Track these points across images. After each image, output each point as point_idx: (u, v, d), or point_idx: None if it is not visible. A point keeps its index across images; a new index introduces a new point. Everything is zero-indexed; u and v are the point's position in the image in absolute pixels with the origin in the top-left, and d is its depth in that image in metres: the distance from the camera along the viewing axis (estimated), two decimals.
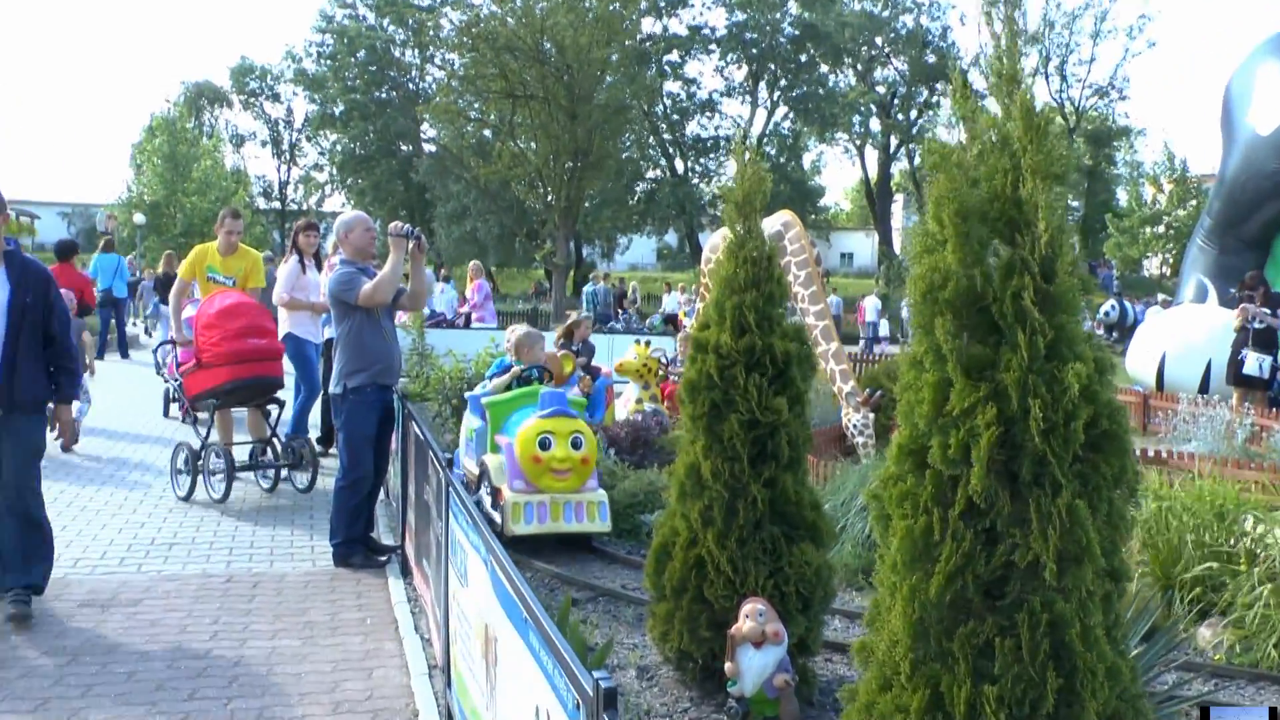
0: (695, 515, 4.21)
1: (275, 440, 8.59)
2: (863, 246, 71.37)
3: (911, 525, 2.86)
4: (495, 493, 6.86)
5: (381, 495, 7.56)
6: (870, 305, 31.82)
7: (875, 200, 54.98)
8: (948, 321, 2.84)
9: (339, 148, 53.53)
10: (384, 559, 6.63)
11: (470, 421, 7.66)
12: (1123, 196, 53.71)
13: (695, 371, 4.25)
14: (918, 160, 49.78)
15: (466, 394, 8.06)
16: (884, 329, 31.17)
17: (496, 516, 6.75)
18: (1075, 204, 56.41)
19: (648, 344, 10.85)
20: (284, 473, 8.64)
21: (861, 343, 30.07)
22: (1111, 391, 2.81)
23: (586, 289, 32.48)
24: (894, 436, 3.10)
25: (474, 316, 18.37)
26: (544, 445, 6.63)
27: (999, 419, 2.73)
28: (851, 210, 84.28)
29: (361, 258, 6.68)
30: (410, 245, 6.46)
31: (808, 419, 4.26)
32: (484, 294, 18.84)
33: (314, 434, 9.62)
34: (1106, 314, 31.03)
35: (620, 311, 31.32)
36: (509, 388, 7.48)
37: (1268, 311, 12.60)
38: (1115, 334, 29.85)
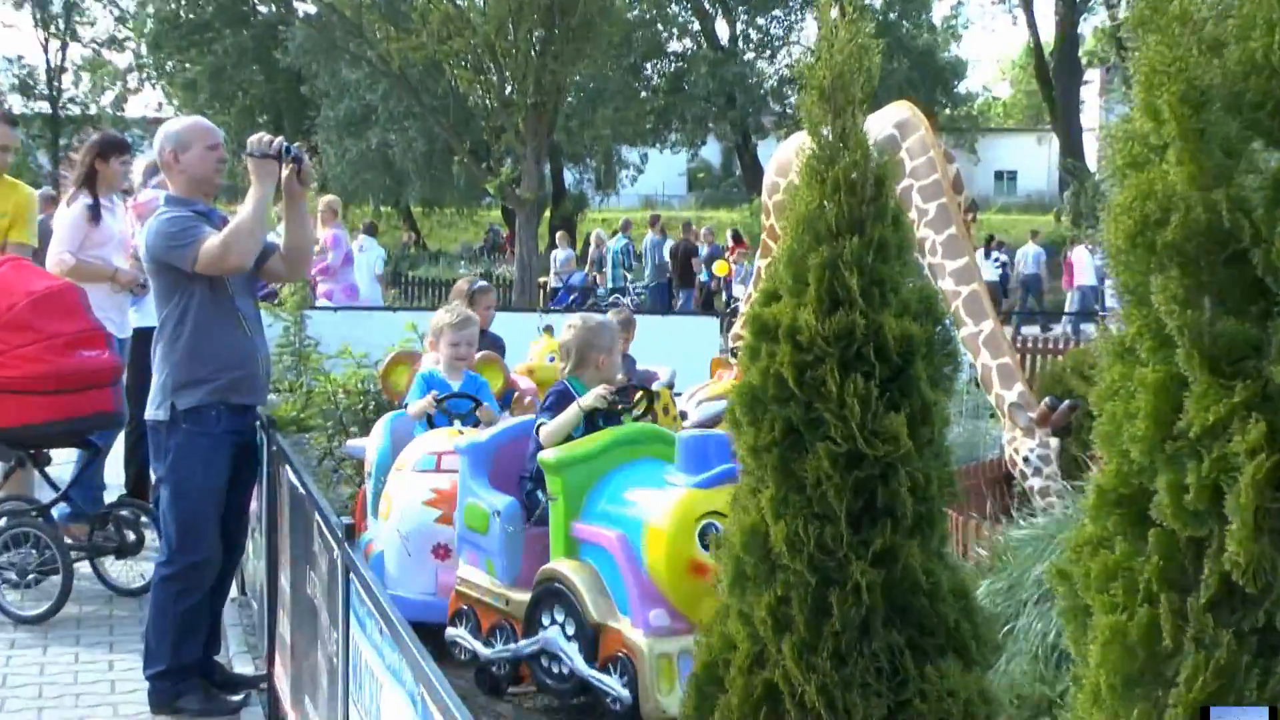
0: (762, 614, 4.20)
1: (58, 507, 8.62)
2: (1033, 159, 71.24)
3: (1124, 623, 2.87)
4: (596, 635, 6.26)
5: (233, 590, 7.59)
6: (1083, 260, 31.45)
7: (1053, 82, 54.85)
8: (1174, 280, 2.83)
9: (150, 10, 53.70)
10: (238, 699, 6.65)
11: (486, 499, 6.94)
12: None
13: (758, 373, 4.23)
14: (1122, 10, 49.62)
15: (453, 446, 7.28)
16: (1110, 298, 31.01)
17: (614, 686, 6.11)
18: None
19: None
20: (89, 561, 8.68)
21: (1066, 321, 30.00)
22: None
23: (613, 244, 32.35)
24: (1092, 475, 3.09)
25: (319, 290, 18.24)
26: (707, 539, 5.86)
27: (1271, 440, 2.74)
28: (1013, 99, 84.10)
29: (200, 193, 6.73)
30: (285, 171, 6.54)
31: (945, 449, 4.27)
32: (342, 251, 18.70)
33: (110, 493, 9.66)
34: None
35: (681, 284, 31.12)
36: (586, 428, 6.82)
37: None
38: None
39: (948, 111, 54.45)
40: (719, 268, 30.01)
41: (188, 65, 52.91)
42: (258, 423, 6.74)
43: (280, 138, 6.64)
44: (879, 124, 9.85)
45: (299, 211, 6.74)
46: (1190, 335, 2.84)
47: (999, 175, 71.06)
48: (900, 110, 10.29)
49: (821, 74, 4.22)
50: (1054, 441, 9.25)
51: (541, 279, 32.82)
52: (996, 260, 33.44)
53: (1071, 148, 52.56)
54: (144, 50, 56.02)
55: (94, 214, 9.33)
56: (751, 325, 4.30)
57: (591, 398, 6.82)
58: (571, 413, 6.81)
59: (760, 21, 51.41)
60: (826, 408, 4.11)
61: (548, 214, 45.77)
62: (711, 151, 64.83)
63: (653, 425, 6.95)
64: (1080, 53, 55.11)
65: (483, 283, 11.00)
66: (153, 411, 6.56)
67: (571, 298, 30.44)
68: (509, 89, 33.12)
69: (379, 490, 7.92)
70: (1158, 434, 2.87)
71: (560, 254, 33.68)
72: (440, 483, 7.37)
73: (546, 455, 6.64)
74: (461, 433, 7.73)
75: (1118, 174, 2.97)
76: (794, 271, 4.22)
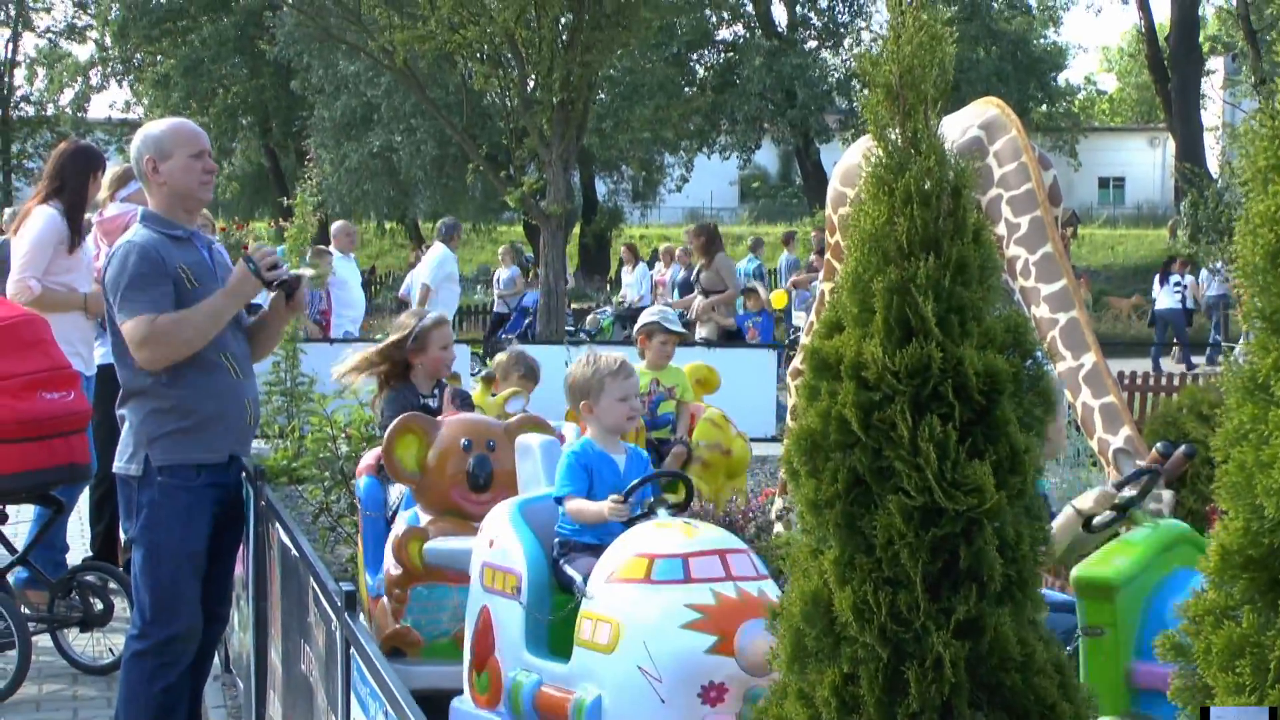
0: (826, 693, 4.17)
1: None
2: (1144, 164, 70.75)
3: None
4: None
5: (216, 667, 7.57)
6: None
7: (1168, 71, 54.64)
8: None
9: None
10: None
11: None
12: None
13: (817, 416, 4.22)
14: None
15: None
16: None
17: None
18: None
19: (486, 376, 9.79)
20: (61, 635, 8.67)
21: (1238, 351, 29.77)
22: None
23: (743, 265, 31.36)
24: (1214, 533, 3.07)
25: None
26: None
27: None
28: (1121, 94, 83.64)
29: (183, 209, 6.72)
30: (274, 293, 6.72)
31: (1039, 503, 4.23)
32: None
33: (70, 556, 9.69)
34: None
35: None
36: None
37: None
38: None
39: (1044, 109, 54.12)
40: (776, 299, 29.43)
41: (159, 58, 52.80)
42: (244, 474, 6.73)
43: (285, 266, 6.67)
44: (962, 124, 9.79)
45: (277, 328, 7.01)
46: None
47: (1104, 183, 70.51)
48: (987, 108, 10.21)
49: (888, 69, 4.16)
50: (1167, 494, 9.15)
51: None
52: (1177, 285, 33.38)
53: (1189, 150, 52.07)
54: (108, 41, 55.93)
55: (74, 234, 9.29)
56: (810, 360, 4.25)
57: None
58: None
59: (823, 4, 51.28)
60: (897, 455, 4.02)
61: (577, 230, 45.61)
62: (767, 157, 64.57)
63: (1183, 525, 6.38)
64: (1199, 38, 54.76)
65: (436, 313, 9.85)
66: (123, 464, 6.54)
67: (526, 322, 30.07)
68: (532, 85, 33.09)
69: (539, 611, 6.71)
70: None
71: (504, 273, 33.13)
72: (700, 597, 6.17)
73: (1095, 571, 6.07)
74: (695, 526, 6.64)
75: (1257, 178, 2.91)
76: (859, 298, 4.12)
